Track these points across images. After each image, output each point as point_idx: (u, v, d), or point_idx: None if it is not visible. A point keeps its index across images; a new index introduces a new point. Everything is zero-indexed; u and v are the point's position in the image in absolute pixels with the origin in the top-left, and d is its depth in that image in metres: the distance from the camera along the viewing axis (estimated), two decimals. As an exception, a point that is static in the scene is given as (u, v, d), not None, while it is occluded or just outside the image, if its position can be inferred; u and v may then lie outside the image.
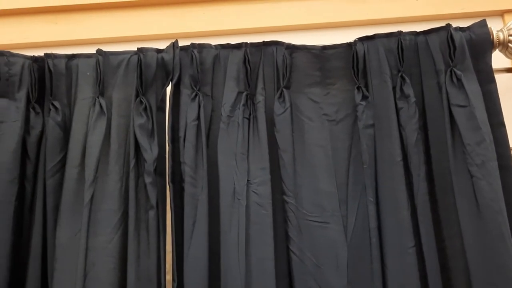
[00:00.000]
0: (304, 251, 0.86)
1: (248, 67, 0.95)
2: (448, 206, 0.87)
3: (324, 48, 0.97)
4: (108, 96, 0.95)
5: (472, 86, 0.89)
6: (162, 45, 0.98)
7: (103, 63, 0.95)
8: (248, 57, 0.95)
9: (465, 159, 0.85)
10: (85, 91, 0.96)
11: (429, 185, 0.89)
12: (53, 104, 0.95)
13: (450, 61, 0.90)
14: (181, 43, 0.97)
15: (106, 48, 0.98)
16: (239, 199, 0.87)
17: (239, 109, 0.93)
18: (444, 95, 0.89)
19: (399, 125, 0.90)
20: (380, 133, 0.91)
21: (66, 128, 0.94)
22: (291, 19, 1.13)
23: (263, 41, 0.97)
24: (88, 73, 0.96)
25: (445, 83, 0.89)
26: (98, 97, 0.94)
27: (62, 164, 0.92)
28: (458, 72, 0.89)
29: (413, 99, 0.90)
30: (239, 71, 0.95)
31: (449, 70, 0.90)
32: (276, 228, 0.87)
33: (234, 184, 0.88)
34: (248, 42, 0.97)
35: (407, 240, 0.85)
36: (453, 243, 0.86)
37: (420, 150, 0.89)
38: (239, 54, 0.96)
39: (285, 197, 0.89)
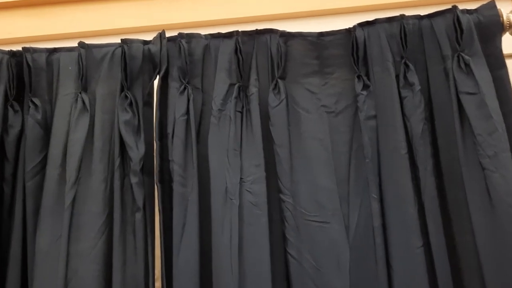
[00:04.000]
0: (303, 253, 0.83)
1: (240, 57, 0.91)
2: (458, 201, 0.83)
3: (321, 34, 0.93)
4: (91, 92, 0.92)
5: (481, 71, 0.85)
6: (149, 37, 0.95)
7: (86, 57, 0.93)
8: (240, 47, 0.92)
9: (476, 151, 0.81)
10: (67, 87, 0.93)
11: (437, 179, 0.85)
12: (32, 101, 0.91)
13: (458, 46, 0.86)
14: (169, 34, 0.94)
15: (91, 41, 0.95)
16: (231, 199, 0.84)
17: (231, 102, 0.89)
18: (452, 82, 0.85)
19: (404, 115, 0.86)
20: (383, 124, 0.87)
21: (47, 127, 0.91)
22: (286, 7, 1.10)
23: (256, 29, 0.94)
24: (70, 68, 0.94)
25: (453, 69, 0.85)
26: (80, 93, 0.91)
27: (43, 165, 0.89)
28: (466, 57, 0.85)
29: (418, 87, 0.86)
30: (231, 61, 0.92)
31: (456, 55, 0.86)
32: (272, 229, 0.84)
33: (226, 182, 0.85)
34: (240, 31, 0.93)
35: (415, 239, 0.81)
36: (465, 241, 0.82)
37: (427, 142, 0.85)
38: (231, 43, 0.93)
39: (282, 196, 0.85)
